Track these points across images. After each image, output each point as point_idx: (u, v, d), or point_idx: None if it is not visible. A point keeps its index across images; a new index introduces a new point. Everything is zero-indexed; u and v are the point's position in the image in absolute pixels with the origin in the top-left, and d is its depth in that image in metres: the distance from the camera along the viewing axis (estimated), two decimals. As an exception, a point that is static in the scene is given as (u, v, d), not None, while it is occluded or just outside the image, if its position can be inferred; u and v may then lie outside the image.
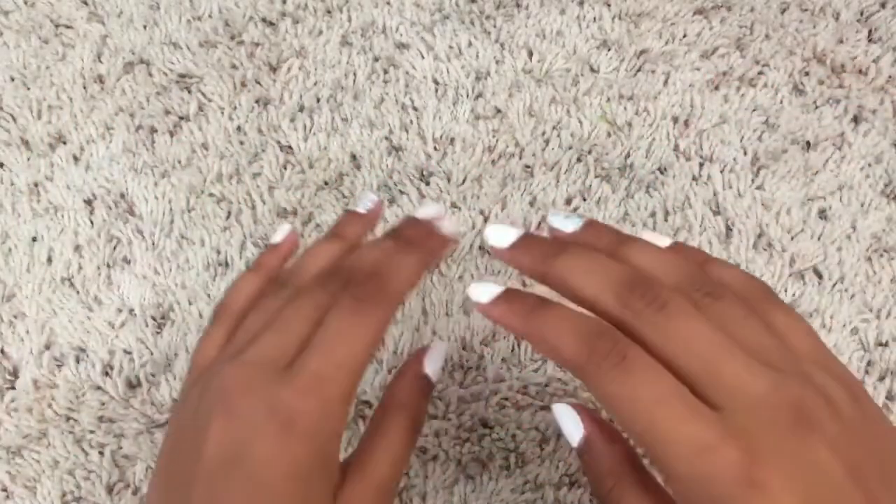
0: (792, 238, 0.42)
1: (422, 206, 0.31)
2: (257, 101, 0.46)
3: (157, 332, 0.41)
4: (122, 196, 0.44)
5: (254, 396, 0.25)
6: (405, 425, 0.28)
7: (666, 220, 0.43)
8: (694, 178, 0.43)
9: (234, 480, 0.24)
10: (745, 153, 0.44)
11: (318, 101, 0.46)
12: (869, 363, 0.39)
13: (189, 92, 0.46)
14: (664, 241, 0.28)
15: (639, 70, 0.46)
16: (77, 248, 0.43)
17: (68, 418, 0.39)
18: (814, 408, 0.22)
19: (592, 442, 0.26)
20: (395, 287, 0.27)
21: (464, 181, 0.44)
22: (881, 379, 0.39)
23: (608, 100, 0.45)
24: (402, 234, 0.29)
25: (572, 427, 0.26)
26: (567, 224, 0.28)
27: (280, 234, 0.34)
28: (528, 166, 0.44)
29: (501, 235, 0.27)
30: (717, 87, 0.46)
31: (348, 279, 0.27)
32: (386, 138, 0.45)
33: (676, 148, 0.44)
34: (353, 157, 0.45)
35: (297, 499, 0.24)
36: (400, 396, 0.29)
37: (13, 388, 0.40)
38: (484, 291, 0.26)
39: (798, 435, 0.21)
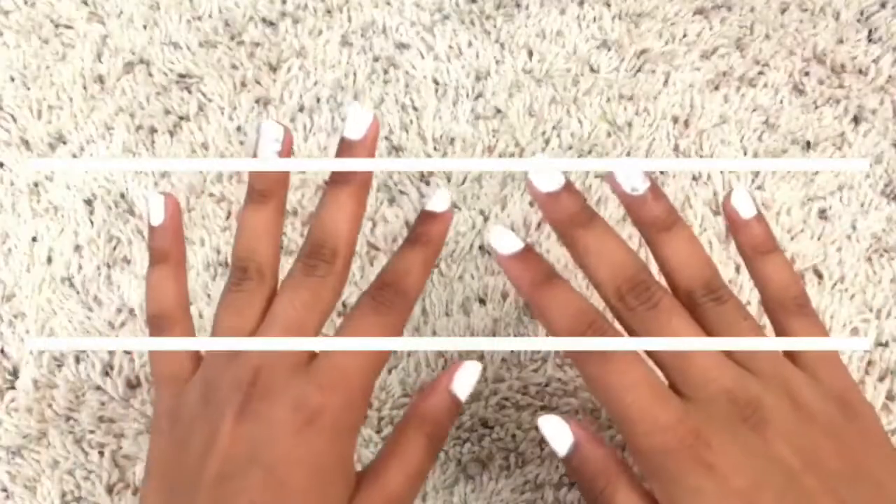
0: (792, 238, 0.42)
1: (434, 198, 0.30)
2: (257, 101, 0.46)
3: (157, 332, 0.41)
4: (122, 196, 0.44)
5: (274, 393, 0.25)
6: (424, 441, 0.27)
7: (666, 220, 0.43)
8: (694, 178, 0.44)
9: (251, 479, 0.23)
10: (745, 153, 0.44)
11: (318, 101, 0.46)
12: (869, 363, 0.39)
13: (189, 92, 0.46)
14: (749, 212, 0.29)
15: (639, 70, 0.46)
16: (77, 248, 0.43)
17: (68, 418, 0.39)
18: (773, 406, 0.24)
19: (581, 446, 0.26)
20: (411, 288, 0.28)
21: (464, 181, 0.44)
22: (881, 379, 0.39)
23: (608, 100, 0.45)
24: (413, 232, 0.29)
25: (560, 434, 0.26)
26: (632, 184, 0.27)
27: (156, 208, 0.29)
28: (528, 166, 0.44)
29: (545, 180, 0.27)
30: (717, 87, 0.46)
31: (319, 253, 0.27)
32: (386, 138, 0.45)
33: (676, 148, 0.44)
34: (353, 157, 0.45)
35: (317, 496, 0.24)
36: (422, 410, 0.28)
37: (13, 388, 0.40)
38: (506, 241, 0.27)
39: (751, 428, 0.24)
